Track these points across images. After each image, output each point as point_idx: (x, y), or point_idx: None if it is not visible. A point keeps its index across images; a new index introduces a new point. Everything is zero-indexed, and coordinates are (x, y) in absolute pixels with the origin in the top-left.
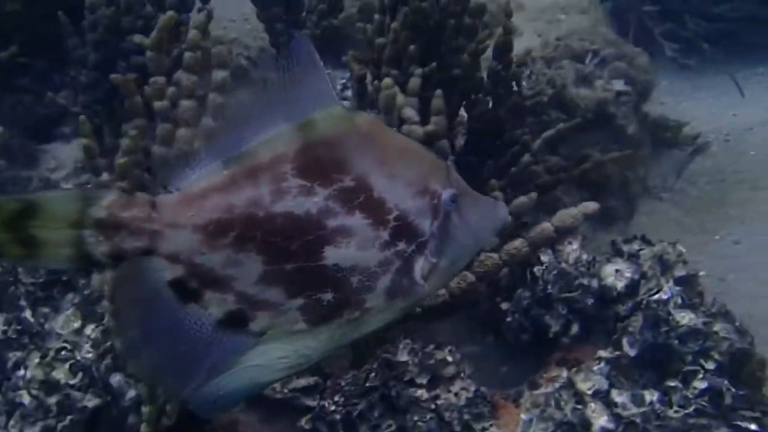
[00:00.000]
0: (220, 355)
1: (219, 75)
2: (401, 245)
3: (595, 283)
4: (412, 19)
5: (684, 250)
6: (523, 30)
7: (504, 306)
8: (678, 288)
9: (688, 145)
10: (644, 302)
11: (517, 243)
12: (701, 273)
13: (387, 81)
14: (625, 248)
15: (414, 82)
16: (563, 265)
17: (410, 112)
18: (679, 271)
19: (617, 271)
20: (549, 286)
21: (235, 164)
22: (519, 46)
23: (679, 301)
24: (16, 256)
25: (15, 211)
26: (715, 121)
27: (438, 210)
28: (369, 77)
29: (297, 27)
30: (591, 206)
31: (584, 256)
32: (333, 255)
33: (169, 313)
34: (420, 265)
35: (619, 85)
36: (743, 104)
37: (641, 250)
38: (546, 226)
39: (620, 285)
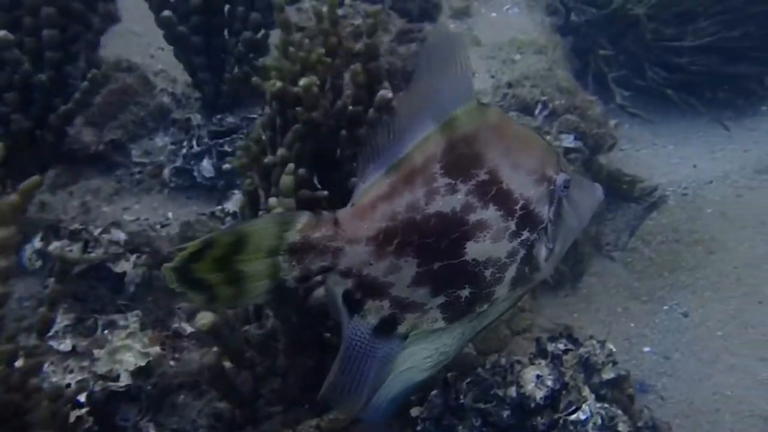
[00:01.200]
0: (377, 364)
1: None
2: (525, 233)
3: (513, 391)
4: (302, 131)
5: (614, 349)
6: (477, 69)
7: (414, 412)
8: (599, 405)
9: (644, 198)
10: (561, 421)
11: None
12: (646, 349)
13: (272, 201)
14: (550, 348)
15: None
16: (479, 370)
17: None
18: (607, 374)
19: (538, 377)
20: (461, 396)
21: (394, 171)
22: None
23: (599, 421)
24: (226, 298)
25: (229, 245)
26: (674, 171)
27: (553, 195)
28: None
29: (220, 66)
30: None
31: (503, 360)
32: (472, 250)
33: (343, 329)
34: (541, 252)
35: (568, 141)
36: (703, 155)
37: (567, 350)
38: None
39: (539, 395)
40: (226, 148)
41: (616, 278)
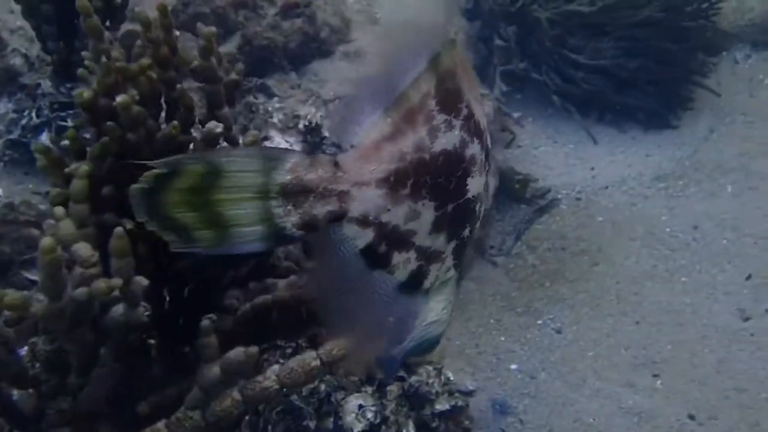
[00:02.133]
0: (402, 322)
1: None
2: (487, 165)
3: (330, 423)
4: (112, 147)
5: (452, 378)
6: (369, 53)
7: None
8: None
9: (536, 200)
10: None
11: (228, 402)
12: (512, 366)
13: (58, 210)
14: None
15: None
16: (293, 396)
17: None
18: (441, 405)
19: (361, 407)
20: (270, 426)
21: (393, 110)
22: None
23: None
24: (208, 240)
25: (199, 175)
26: (570, 173)
27: (487, 124)
28: None
29: (73, 34)
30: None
31: (323, 387)
32: (471, 186)
33: (358, 284)
34: (491, 183)
35: None
36: (603, 157)
37: (398, 377)
38: (269, 382)
39: (358, 429)
40: (69, 122)
41: (496, 286)
